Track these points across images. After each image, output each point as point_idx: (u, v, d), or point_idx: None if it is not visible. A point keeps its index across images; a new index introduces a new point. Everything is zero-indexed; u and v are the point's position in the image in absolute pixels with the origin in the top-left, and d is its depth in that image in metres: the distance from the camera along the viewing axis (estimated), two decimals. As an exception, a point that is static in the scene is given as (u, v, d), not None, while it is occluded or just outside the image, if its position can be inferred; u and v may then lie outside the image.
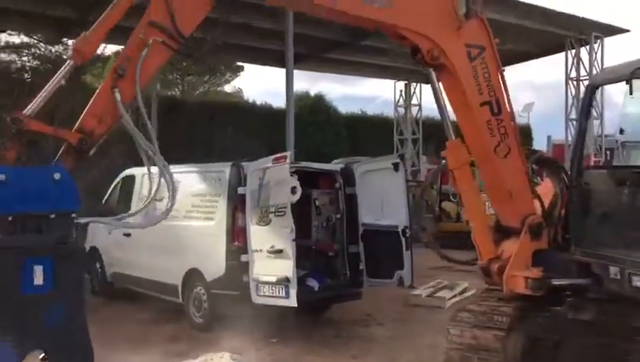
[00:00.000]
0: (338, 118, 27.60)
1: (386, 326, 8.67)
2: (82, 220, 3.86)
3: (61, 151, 4.01)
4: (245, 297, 7.55)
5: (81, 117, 4.09)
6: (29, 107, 3.94)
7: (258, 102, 28.39)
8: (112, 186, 10.50)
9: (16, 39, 22.23)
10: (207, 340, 7.60)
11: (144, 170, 9.99)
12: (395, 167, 8.41)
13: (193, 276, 8.29)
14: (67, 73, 4.09)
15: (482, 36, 5.26)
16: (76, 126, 4.06)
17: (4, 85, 15.77)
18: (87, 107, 4.13)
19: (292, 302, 7.14)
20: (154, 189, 4.37)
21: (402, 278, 8.37)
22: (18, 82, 17.52)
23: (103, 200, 10.48)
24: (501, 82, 5.28)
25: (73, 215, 3.73)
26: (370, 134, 25.47)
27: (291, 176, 7.30)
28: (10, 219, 3.53)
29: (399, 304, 9.74)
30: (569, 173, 5.81)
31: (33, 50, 20.80)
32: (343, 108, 28.81)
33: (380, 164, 8.76)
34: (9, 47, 22.50)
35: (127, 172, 10.20)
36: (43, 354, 3.62)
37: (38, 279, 3.51)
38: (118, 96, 4.07)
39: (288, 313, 7.61)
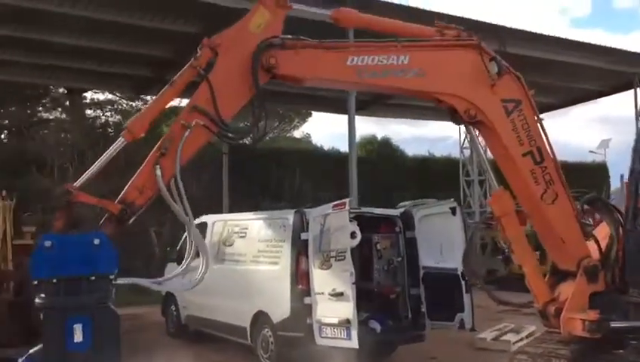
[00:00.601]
0: (405, 161, 27.80)
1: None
2: (121, 281, 4.27)
3: (104, 219, 4.44)
4: (310, 338, 7.87)
5: (125, 189, 4.52)
6: (79, 180, 4.43)
7: (326, 147, 29.07)
8: (185, 233, 11.12)
9: (100, 96, 24.10)
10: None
11: (216, 217, 10.68)
12: (453, 211, 8.63)
13: (261, 318, 8.69)
14: (118, 149, 4.57)
15: (516, 90, 5.50)
16: (119, 197, 4.50)
17: (90, 140, 17.10)
18: (131, 180, 4.56)
19: (354, 343, 7.40)
20: (190, 255, 4.73)
21: (463, 321, 8.48)
22: (102, 136, 18.92)
23: (178, 247, 11.12)
24: (541, 130, 5.48)
25: (111, 277, 4.13)
26: (437, 176, 25.48)
27: (350, 221, 7.65)
28: (54, 281, 3.96)
29: (464, 347, 9.76)
30: (623, 214, 5.88)
31: (115, 105, 22.46)
32: (412, 150, 28.99)
33: (438, 209, 9.00)
34: (94, 104, 24.35)
35: (199, 220, 10.81)
36: None
37: (78, 337, 3.90)
38: (159, 172, 4.49)
39: (353, 355, 7.82)
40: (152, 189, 4.55)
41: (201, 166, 18.30)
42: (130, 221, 4.56)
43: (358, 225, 7.86)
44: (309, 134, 37.77)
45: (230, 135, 5.00)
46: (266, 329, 8.58)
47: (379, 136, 29.17)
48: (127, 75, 18.06)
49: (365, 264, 9.12)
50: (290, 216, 8.61)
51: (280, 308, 8.34)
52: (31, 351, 4.11)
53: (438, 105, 5.62)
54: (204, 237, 10.24)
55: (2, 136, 23.88)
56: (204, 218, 10.70)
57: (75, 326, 3.92)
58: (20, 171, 16.62)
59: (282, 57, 5.02)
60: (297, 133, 37.07)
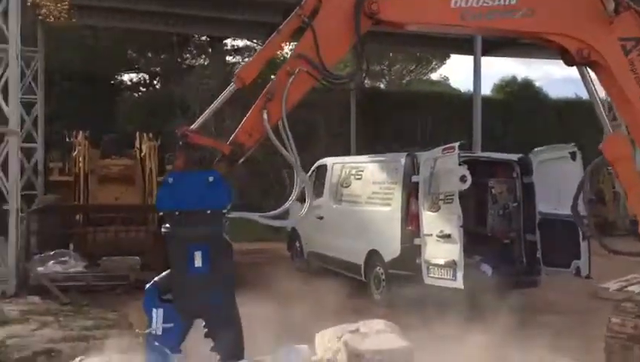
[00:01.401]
0: (546, 103, 26.37)
1: (567, 315, 8.56)
2: (233, 214, 4.63)
3: (217, 159, 4.76)
4: (418, 277, 8.13)
5: (235, 131, 4.81)
6: (195, 123, 4.80)
7: (463, 90, 28.30)
8: (308, 175, 11.72)
9: (240, 43, 25.24)
10: (384, 315, 8.30)
11: (335, 159, 11.11)
12: (573, 155, 8.30)
13: (374, 256, 9.08)
14: (229, 95, 4.87)
15: (636, 27, 5.13)
16: (230, 139, 4.79)
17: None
18: (241, 123, 4.83)
19: (459, 284, 7.56)
20: (295, 193, 5.02)
21: (579, 268, 8.27)
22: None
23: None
24: (664, 69, 5.08)
25: (224, 211, 4.51)
26: (583, 120, 23.94)
27: (460, 165, 7.67)
28: (177, 213, 4.41)
29: (584, 296, 9.49)
30: None
31: (252, 52, 23.44)
32: (561, 92, 27.35)
33: (557, 153, 8.68)
34: (234, 51, 25.61)
35: (320, 162, 11.33)
36: (204, 324, 4.42)
37: (198, 262, 4.35)
38: (265, 116, 4.71)
39: (463, 296, 7.96)
40: (260, 132, 4.76)
41: (329, 109, 18.85)
42: (240, 161, 4.85)
43: (473, 169, 7.87)
44: (446, 77, 36.91)
45: (333, 80, 5.19)
46: (379, 267, 8.95)
47: (520, 78, 27.80)
48: (263, 22, 18.78)
49: (479, 208, 9.11)
50: (402, 159, 8.79)
51: (391, 247, 8.66)
52: (156, 278, 4.65)
53: (546, 45, 5.40)
54: (324, 178, 10.76)
55: (155, 81, 26.02)
56: (324, 160, 11.17)
57: (195, 253, 4.37)
58: (167, 115, 18.14)
59: (384, 3, 5.06)
60: (435, 76, 36.28)
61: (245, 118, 4.87)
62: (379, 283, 8.96)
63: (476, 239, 8.68)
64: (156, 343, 4.32)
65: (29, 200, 12.74)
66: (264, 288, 9.38)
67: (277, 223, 5.10)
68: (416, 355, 4.56)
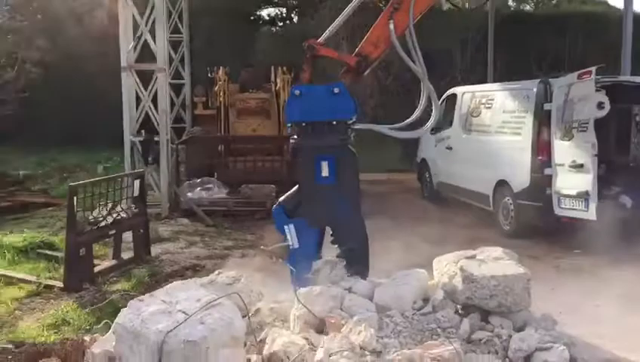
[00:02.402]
0: None
1: None
2: (358, 126, 4.71)
3: (342, 70, 4.86)
4: (548, 208, 7.93)
5: (361, 44, 4.87)
6: (322, 36, 4.86)
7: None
8: (438, 103, 11.56)
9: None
10: (512, 246, 8.20)
11: (465, 88, 10.86)
12: None
13: (502, 187, 8.91)
14: (356, 7, 4.90)
15: None
16: (356, 51, 4.86)
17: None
18: (366, 35, 4.88)
19: (591, 215, 7.29)
20: (420, 106, 5.01)
21: None
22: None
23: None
24: None
25: (349, 122, 4.60)
26: None
27: (597, 91, 7.23)
28: (303, 124, 4.59)
29: None
30: None
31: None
32: None
33: None
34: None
35: (450, 91, 11.12)
36: (332, 232, 4.69)
37: (325, 172, 4.53)
38: (392, 26, 4.72)
39: (596, 228, 7.65)
40: (386, 43, 4.79)
41: (464, 35, 18.12)
42: (366, 73, 4.91)
43: (614, 95, 7.38)
44: (604, -6, 33.52)
45: None
46: (507, 198, 8.80)
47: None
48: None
49: (621, 136, 8.55)
50: (534, 86, 8.41)
51: (521, 177, 8.45)
52: (280, 199, 4.94)
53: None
54: (453, 108, 10.59)
55: (293, 15, 26.42)
56: (454, 90, 10.96)
57: (322, 163, 4.57)
58: (301, 48, 18.49)
59: None
60: (590, -5, 33.10)
61: (371, 29, 4.87)
62: (507, 213, 8.82)
63: (617, 169, 8.21)
64: (297, 256, 4.59)
65: (179, 132, 13.89)
66: (392, 215, 9.67)
67: (404, 135, 5.08)
68: (534, 285, 4.56)
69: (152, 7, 10.06)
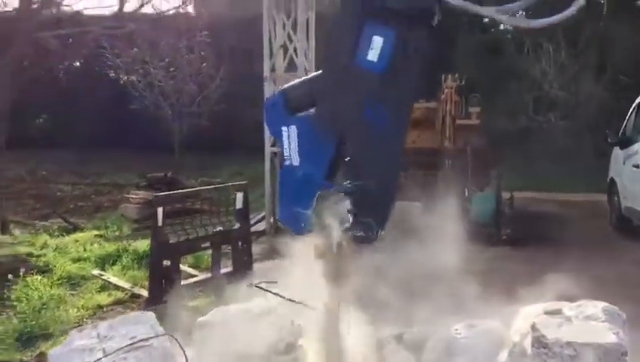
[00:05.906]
0: None
1: None
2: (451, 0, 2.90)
3: None
4: None
5: None
6: None
7: None
8: (629, 113, 9.49)
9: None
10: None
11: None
12: None
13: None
14: None
15: None
16: None
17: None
18: None
19: None
20: None
21: None
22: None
23: (620, 132, 9.69)
24: None
25: None
26: None
27: None
28: None
29: None
30: None
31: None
32: None
33: None
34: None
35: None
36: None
37: (373, 55, 2.77)
38: None
39: None
40: None
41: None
42: None
43: None
44: None
45: None
46: None
47: None
48: None
49: None
50: None
51: None
52: (285, 85, 3.30)
53: None
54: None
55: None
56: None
57: (374, 37, 2.83)
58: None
59: None
60: None
61: None
62: None
63: None
64: (294, 177, 2.97)
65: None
66: (557, 246, 8.04)
67: (524, 22, 3.25)
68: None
69: (295, 18, 9.85)
